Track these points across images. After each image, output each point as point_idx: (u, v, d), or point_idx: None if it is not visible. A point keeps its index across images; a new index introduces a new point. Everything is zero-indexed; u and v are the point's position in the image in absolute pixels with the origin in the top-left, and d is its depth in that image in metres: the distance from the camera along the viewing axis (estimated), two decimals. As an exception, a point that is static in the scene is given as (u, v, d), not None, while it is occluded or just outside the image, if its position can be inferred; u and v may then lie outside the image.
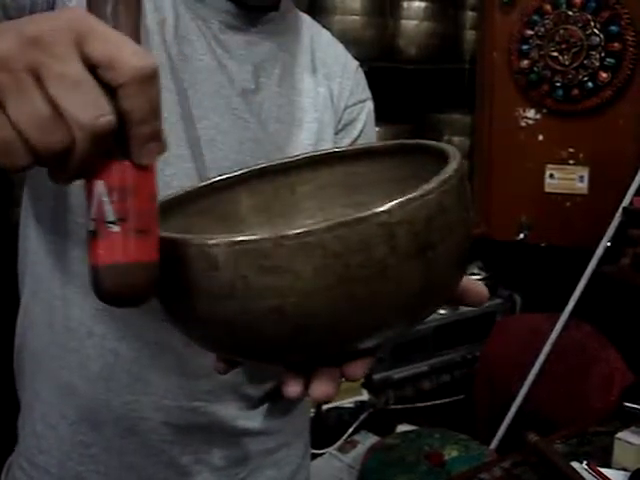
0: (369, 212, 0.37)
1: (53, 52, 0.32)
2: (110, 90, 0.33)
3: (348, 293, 0.37)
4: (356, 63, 0.83)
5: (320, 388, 0.40)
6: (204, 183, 0.56)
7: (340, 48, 0.83)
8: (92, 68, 0.33)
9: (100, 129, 0.33)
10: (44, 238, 0.71)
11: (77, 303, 0.70)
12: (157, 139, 0.35)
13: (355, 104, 0.81)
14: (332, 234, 0.36)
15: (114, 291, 0.35)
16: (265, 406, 0.77)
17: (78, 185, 0.36)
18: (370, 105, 0.84)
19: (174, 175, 0.65)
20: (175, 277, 0.39)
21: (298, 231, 0.36)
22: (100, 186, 0.35)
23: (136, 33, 0.37)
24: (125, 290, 0.36)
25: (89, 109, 0.32)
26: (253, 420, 0.76)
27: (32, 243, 0.72)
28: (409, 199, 0.38)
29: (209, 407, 0.72)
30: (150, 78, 0.33)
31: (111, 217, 0.34)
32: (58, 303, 0.71)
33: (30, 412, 0.75)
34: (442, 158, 0.45)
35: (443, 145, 0.48)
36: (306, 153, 0.59)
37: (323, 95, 0.77)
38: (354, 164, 0.57)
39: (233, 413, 0.74)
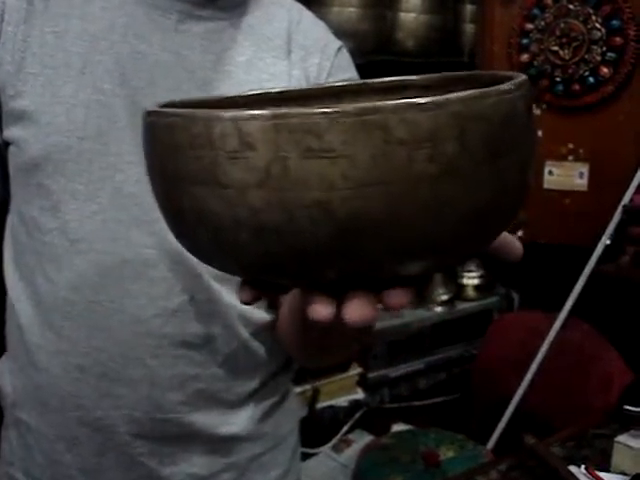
0: (442, 98, 0.31)
1: None
2: None
3: (409, 190, 0.31)
4: (338, 44, 0.79)
5: (356, 310, 0.33)
6: (217, 97, 0.50)
7: (322, 30, 0.79)
8: None
9: None
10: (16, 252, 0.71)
11: (40, 324, 0.70)
12: None
13: None
14: (400, 116, 0.30)
15: None
16: (249, 413, 0.75)
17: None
18: None
19: (125, 182, 0.65)
20: (191, 162, 0.33)
21: (359, 106, 0.30)
22: None
23: None
24: None
25: None
26: (235, 426, 0.74)
27: (6, 262, 0.73)
28: (485, 92, 0.32)
29: (185, 417, 0.71)
30: None
31: None
32: (25, 322, 0.71)
33: (7, 431, 0.76)
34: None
35: (500, 72, 0.41)
36: (330, 83, 0.52)
37: (297, 78, 0.74)
38: (382, 97, 0.49)
39: (214, 420, 0.72)
